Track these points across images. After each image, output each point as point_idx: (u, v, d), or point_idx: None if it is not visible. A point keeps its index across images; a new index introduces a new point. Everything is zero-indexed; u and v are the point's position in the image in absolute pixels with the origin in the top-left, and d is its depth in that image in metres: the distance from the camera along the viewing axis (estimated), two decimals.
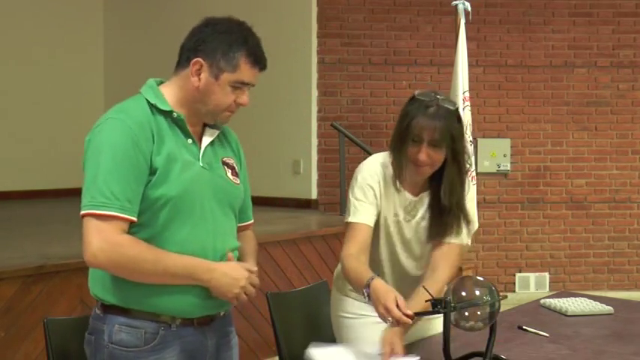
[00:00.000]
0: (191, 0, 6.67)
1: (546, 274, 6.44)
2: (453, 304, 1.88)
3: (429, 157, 2.14)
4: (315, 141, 6.33)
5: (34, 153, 7.29)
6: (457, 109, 2.21)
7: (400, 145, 2.18)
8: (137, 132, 1.79)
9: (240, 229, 2.06)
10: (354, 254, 2.18)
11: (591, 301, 2.69)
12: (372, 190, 2.26)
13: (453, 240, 2.28)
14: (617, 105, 6.46)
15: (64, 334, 2.04)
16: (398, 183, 2.24)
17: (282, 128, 6.40)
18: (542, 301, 2.74)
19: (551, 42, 6.45)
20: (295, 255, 4.75)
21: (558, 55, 6.45)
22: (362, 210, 2.24)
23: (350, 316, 2.40)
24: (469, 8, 5.18)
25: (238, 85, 1.87)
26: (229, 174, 1.98)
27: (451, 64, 5.31)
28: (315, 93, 6.31)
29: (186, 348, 1.88)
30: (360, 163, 2.38)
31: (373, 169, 2.29)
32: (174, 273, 1.80)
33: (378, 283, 2.00)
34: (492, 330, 1.97)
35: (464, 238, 2.31)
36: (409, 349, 2.08)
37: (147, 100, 1.86)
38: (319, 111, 6.35)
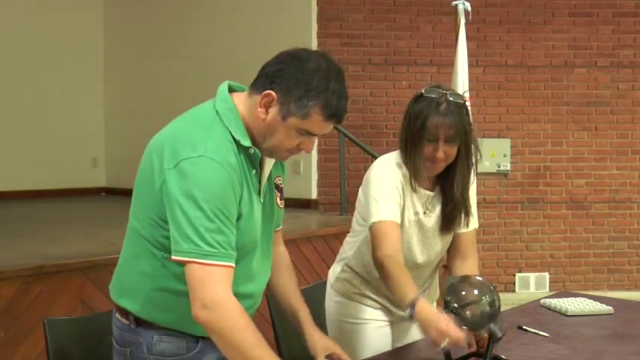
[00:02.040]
0: None
1: (546, 274, 6.44)
2: (454, 305, 1.88)
3: (444, 153, 2.15)
4: (315, 141, 6.31)
5: (34, 153, 7.29)
6: (465, 101, 2.19)
7: (415, 145, 2.16)
8: (234, 178, 1.70)
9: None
10: (392, 255, 2.11)
11: (591, 301, 2.69)
12: (397, 190, 2.22)
13: (470, 227, 2.35)
14: (617, 105, 6.46)
15: (64, 334, 2.03)
16: (414, 182, 2.23)
17: None
18: (542, 301, 2.73)
19: (551, 42, 6.45)
20: (295, 255, 4.72)
21: (558, 55, 6.45)
22: (391, 208, 2.18)
23: (357, 321, 2.35)
24: (469, 8, 5.17)
25: (305, 134, 1.77)
26: (278, 199, 1.93)
27: (451, 64, 5.30)
28: None
29: (223, 356, 1.79)
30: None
31: (392, 170, 2.25)
32: None
33: (425, 306, 1.93)
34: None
35: (475, 222, 2.40)
36: (410, 349, 2.07)
37: (231, 134, 1.73)
38: None
